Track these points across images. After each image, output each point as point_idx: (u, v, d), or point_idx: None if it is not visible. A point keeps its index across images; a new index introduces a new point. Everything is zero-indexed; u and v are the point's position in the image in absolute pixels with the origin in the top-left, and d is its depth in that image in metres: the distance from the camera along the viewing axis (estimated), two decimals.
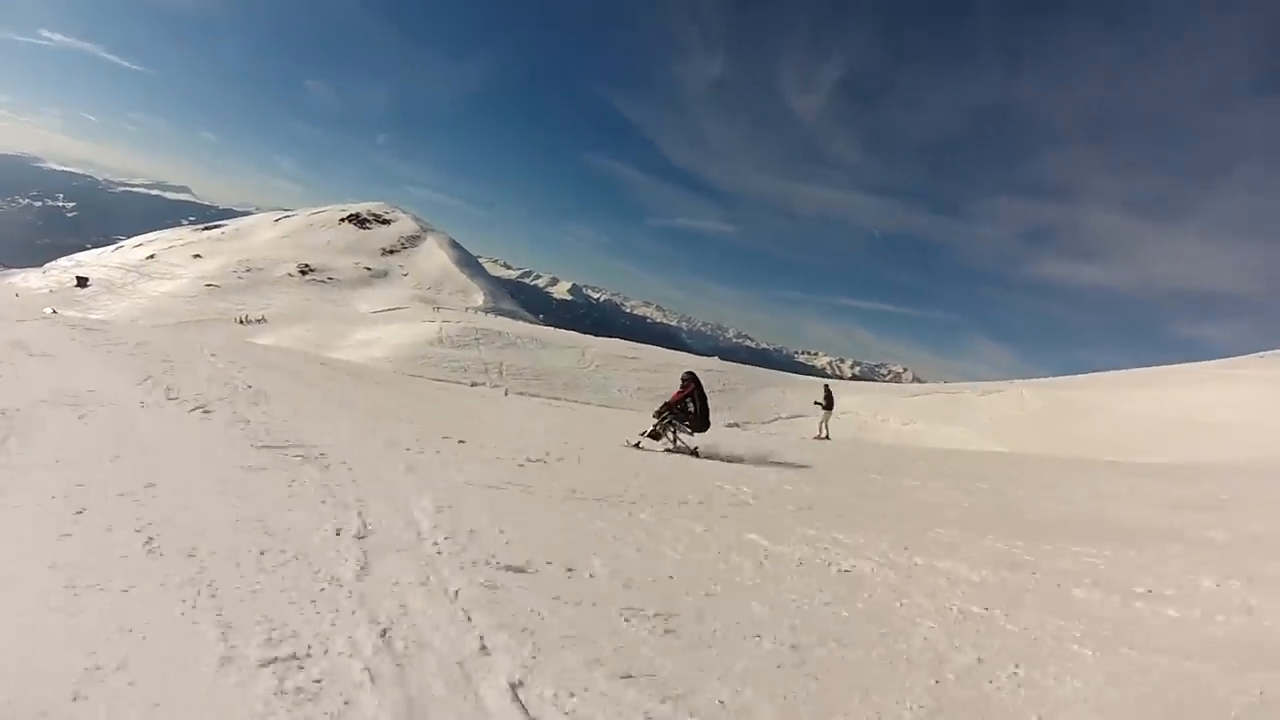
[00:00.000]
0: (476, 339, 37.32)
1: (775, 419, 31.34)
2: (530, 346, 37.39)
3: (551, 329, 47.28)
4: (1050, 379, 40.00)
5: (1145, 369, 37.85)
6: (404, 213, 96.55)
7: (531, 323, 67.52)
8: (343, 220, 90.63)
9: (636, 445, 10.60)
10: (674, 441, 10.90)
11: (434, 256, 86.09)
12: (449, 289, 77.50)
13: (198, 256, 75.14)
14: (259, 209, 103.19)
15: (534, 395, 27.40)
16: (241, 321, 53.60)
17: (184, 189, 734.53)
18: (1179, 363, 37.41)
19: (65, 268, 73.08)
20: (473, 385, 28.49)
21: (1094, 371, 41.12)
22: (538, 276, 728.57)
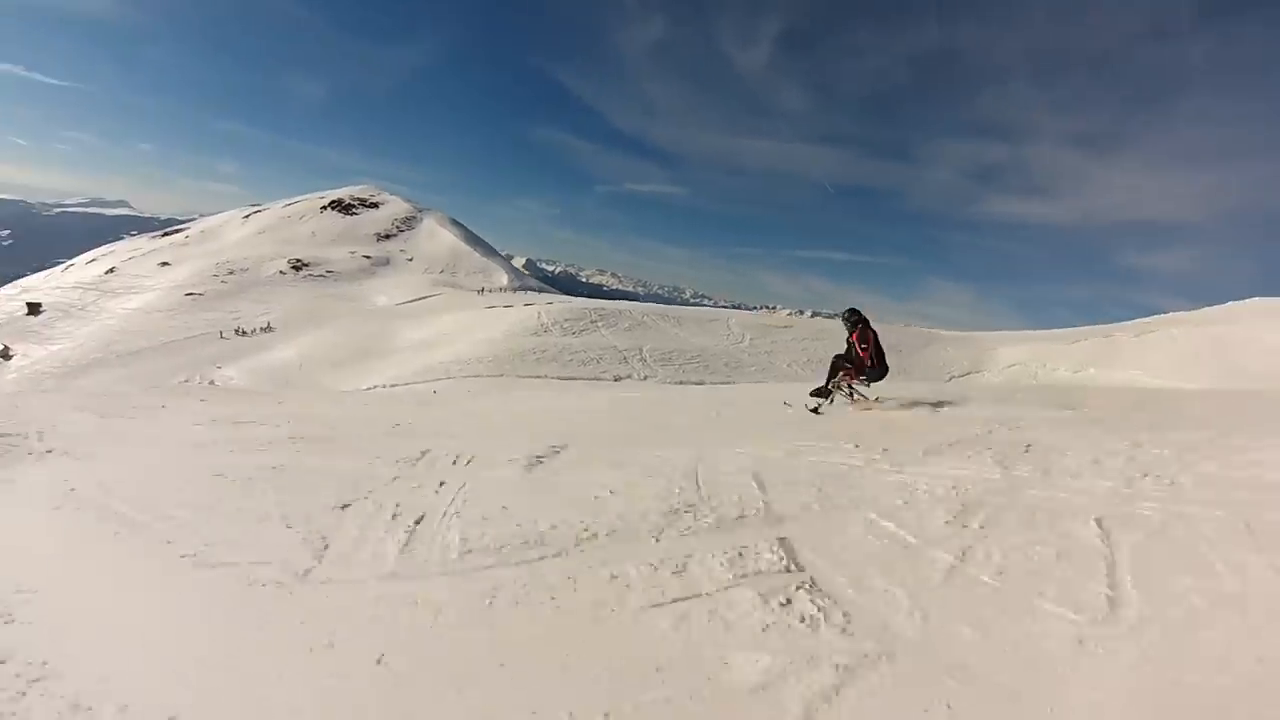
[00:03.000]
0: (594, 322, 30.54)
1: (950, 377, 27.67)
2: (663, 325, 31.25)
3: (678, 306, 39.50)
4: (1177, 314, 38.44)
5: (1259, 299, 36.88)
6: (392, 194, 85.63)
7: (576, 297, 58.24)
8: (325, 208, 79.78)
9: (821, 393, 9.23)
10: (850, 396, 9.19)
11: (437, 236, 76.09)
12: (465, 269, 67.95)
13: (166, 264, 64.42)
14: (202, 216, 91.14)
15: (698, 383, 22.81)
16: (241, 333, 43.73)
17: (122, 203, 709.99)
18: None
19: (10, 296, 61.99)
20: (615, 379, 23.64)
21: (1210, 305, 39.18)
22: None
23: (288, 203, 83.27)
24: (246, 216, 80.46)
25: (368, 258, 67.23)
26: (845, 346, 9.27)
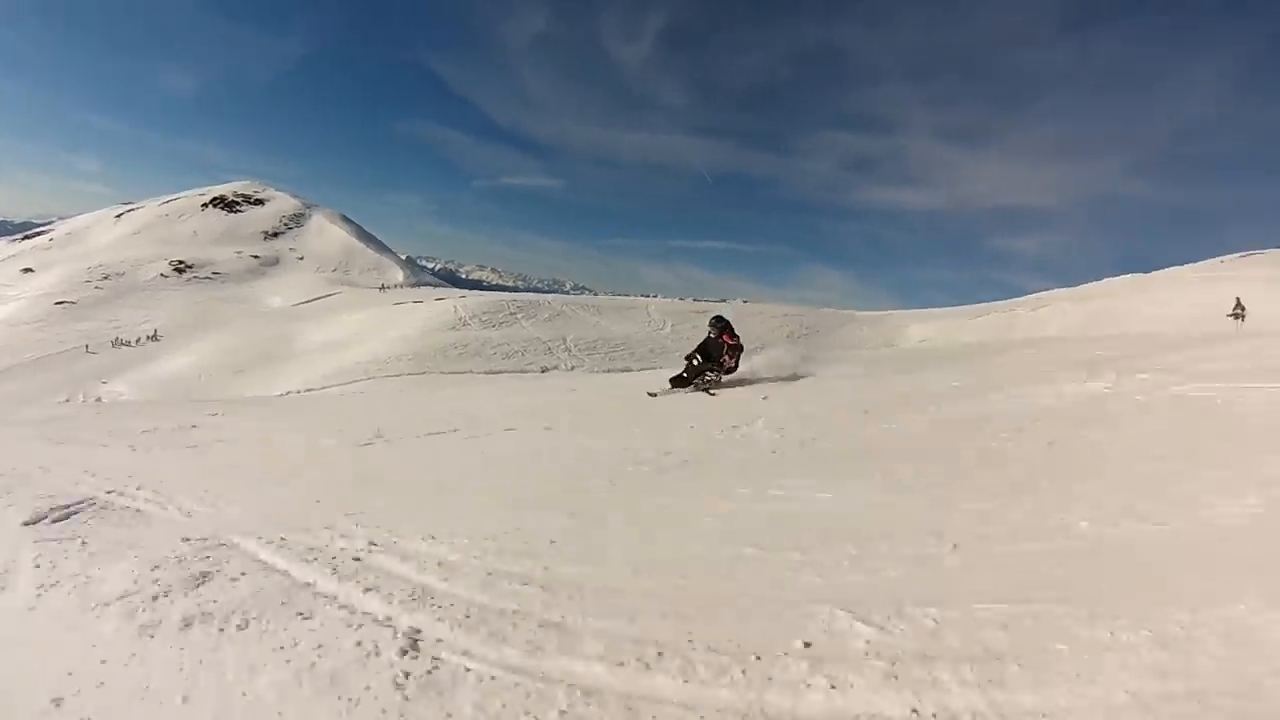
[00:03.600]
0: (513, 314, 30.82)
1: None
2: (584, 315, 31.84)
3: (592, 295, 39.82)
4: (1067, 289, 42.46)
5: (1141, 274, 42.27)
6: (278, 190, 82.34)
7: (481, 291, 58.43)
8: (207, 205, 76.21)
9: (679, 383, 10.44)
10: (704, 386, 10.34)
11: (327, 233, 74.13)
12: (359, 267, 66.86)
13: (29, 271, 60.42)
14: (63, 218, 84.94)
15: (624, 369, 23.33)
16: (124, 343, 41.79)
17: None
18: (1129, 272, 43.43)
19: None
20: (543, 371, 24.08)
21: (1078, 284, 43.71)
22: None
23: (165, 200, 78.87)
24: (119, 216, 75.81)
25: (256, 257, 64.97)
26: (704, 344, 10.68)
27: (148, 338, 42.66)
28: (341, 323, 37.04)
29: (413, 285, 61.36)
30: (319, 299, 49.58)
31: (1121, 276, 44.11)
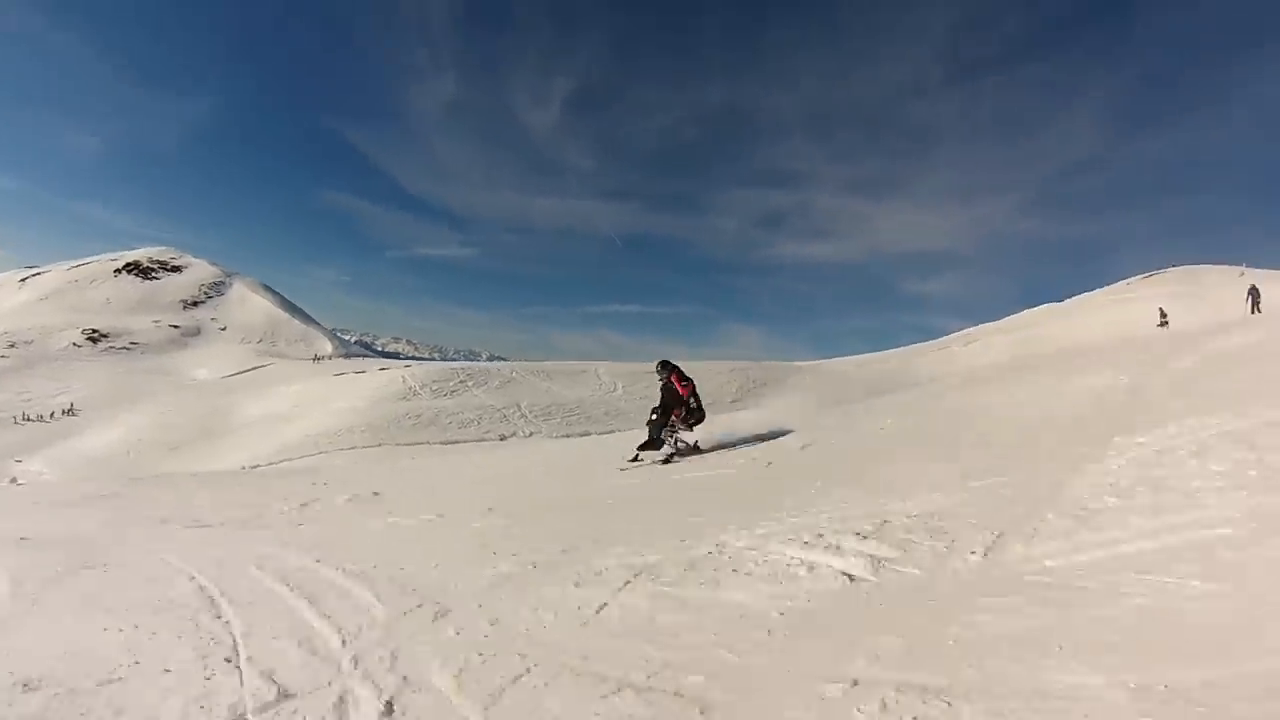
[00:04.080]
0: (463, 382, 31.06)
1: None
2: (534, 380, 32.17)
3: (536, 362, 40.10)
4: (992, 324, 49.96)
5: (1056, 304, 50.61)
6: (195, 258, 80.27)
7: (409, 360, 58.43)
8: (120, 271, 73.64)
9: (650, 446, 9.48)
10: (675, 445, 9.58)
11: (250, 303, 72.68)
12: (285, 338, 65.78)
13: None
14: None
15: (583, 434, 24.10)
16: (35, 418, 39.89)
17: None
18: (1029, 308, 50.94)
19: None
20: (501, 439, 24.64)
21: (1009, 315, 51.29)
22: None
23: (74, 265, 75.72)
24: (23, 280, 72.38)
25: (176, 327, 63.19)
26: (660, 396, 9.87)
27: (63, 411, 40.94)
28: (279, 395, 36.64)
29: (344, 356, 60.82)
30: (249, 370, 48.66)
31: (1038, 307, 50.88)
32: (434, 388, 30.45)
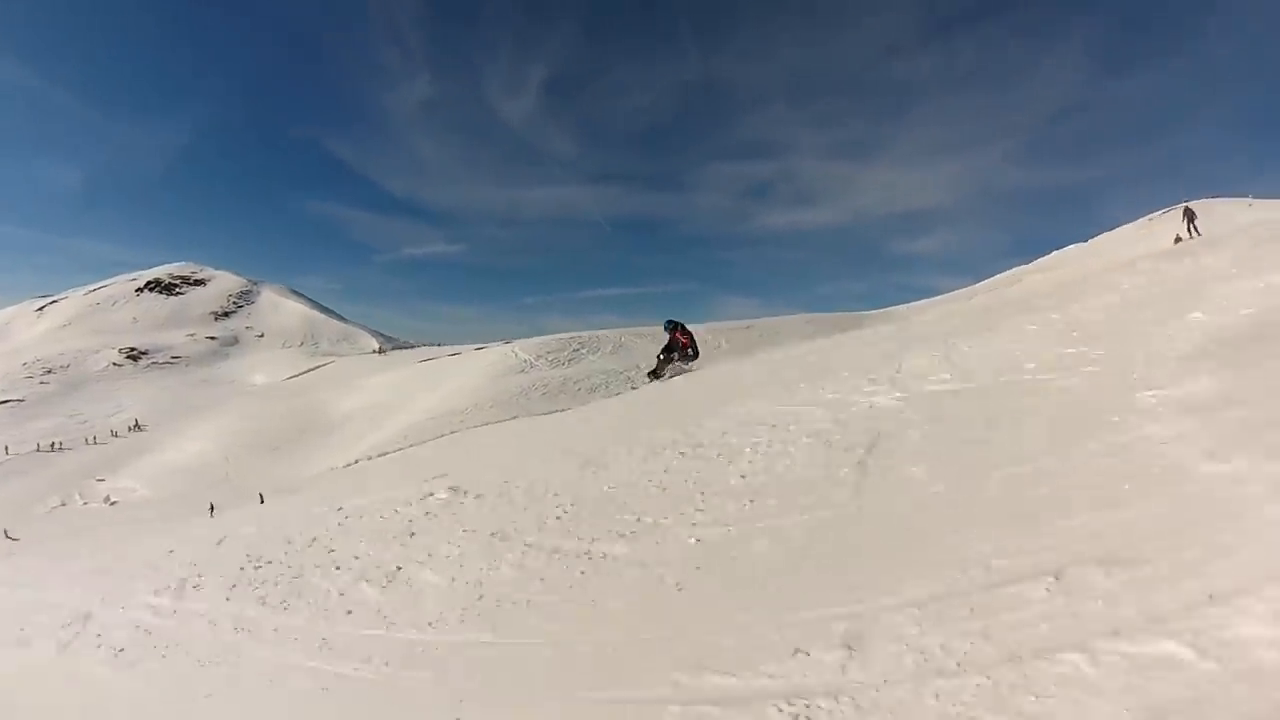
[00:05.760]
0: (576, 350, 30.29)
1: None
2: (641, 344, 30.35)
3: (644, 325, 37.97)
4: (1030, 264, 47.83)
5: (1078, 245, 48.16)
6: (217, 269, 77.43)
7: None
8: (142, 290, 70.77)
9: (655, 375, 14.40)
10: (669, 372, 13.61)
11: (283, 309, 70.25)
12: (328, 338, 63.42)
13: None
14: None
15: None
16: (95, 440, 37.30)
17: None
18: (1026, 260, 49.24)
19: None
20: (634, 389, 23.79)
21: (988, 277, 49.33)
22: None
23: (91, 289, 72.75)
24: (40, 309, 69.40)
25: (212, 338, 60.63)
26: (667, 343, 13.74)
27: (130, 428, 38.34)
28: (368, 387, 34.57)
29: (391, 350, 58.36)
30: (310, 371, 46.15)
31: (1066, 248, 49.25)
32: (550, 359, 29.70)
